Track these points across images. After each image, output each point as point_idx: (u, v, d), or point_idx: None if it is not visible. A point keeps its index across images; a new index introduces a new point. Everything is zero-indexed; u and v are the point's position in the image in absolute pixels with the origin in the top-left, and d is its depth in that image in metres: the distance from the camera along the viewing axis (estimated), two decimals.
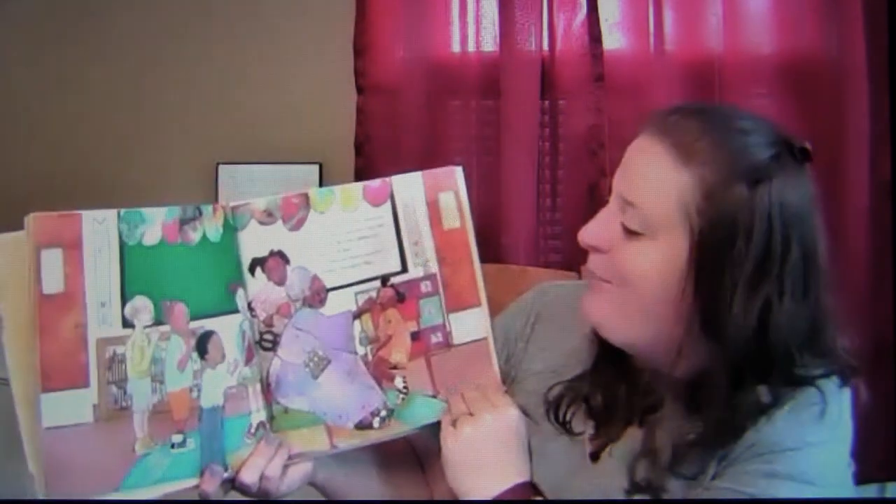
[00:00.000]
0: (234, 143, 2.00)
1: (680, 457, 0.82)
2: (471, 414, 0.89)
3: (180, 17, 2.02)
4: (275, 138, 1.99)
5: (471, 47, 1.87)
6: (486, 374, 0.93)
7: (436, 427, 0.91)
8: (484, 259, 0.94)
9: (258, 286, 0.88)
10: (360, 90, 1.87)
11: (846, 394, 0.85)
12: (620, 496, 0.85)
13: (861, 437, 0.89)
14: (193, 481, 0.83)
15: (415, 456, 1.03)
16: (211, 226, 0.86)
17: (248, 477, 0.85)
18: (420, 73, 1.86)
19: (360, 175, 1.85)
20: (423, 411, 0.91)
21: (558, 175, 1.88)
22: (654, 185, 0.83)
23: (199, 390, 0.83)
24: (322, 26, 1.96)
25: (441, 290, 0.92)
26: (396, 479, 1.01)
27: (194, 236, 0.84)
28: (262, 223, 0.88)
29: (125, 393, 0.80)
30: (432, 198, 0.93)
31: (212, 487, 0.83)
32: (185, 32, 2.02)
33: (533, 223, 1.84)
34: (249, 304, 0.87)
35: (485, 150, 1.87)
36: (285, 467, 0.87)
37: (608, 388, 0.91)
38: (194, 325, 0.83)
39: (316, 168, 1.95)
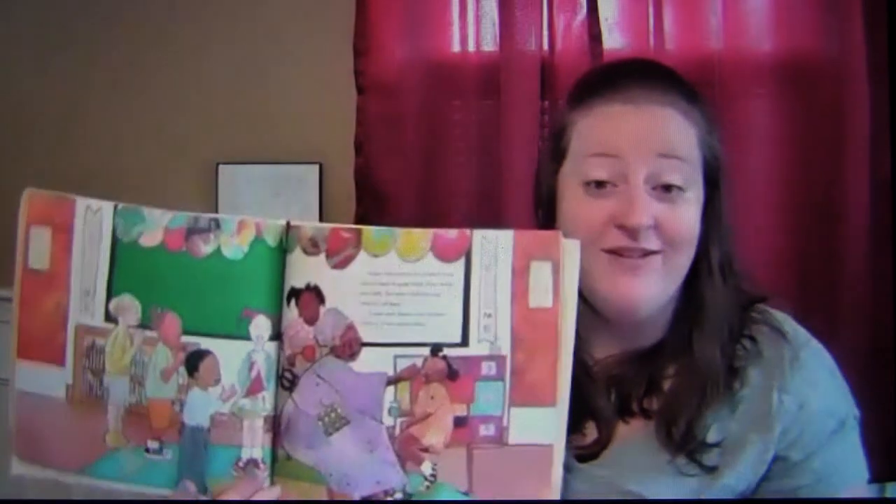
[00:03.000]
0: (234, 143, 2.00)
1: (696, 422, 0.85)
2: None
3: (180, 16, 2.02)
4: (275, 138, 1.99)
5: (471, 47, 1.87)
6: (540, 492, 0.76)
7: None
8: None
9: (290, 318, 0.78)
10: (360, 90, 1.87)
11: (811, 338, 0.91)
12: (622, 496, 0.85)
13: (861, 437, 0.89)
14: (167, 492, 0.79)
15: None
16: (230, 242, 0.79)
17: None
18: (420, 73, 1.86)
19: (361, 175, 1.85)
20: None
21: None
22: (683, 136, 0.86)
23: (182, 405, 0.78)
24: (322, 26, 1.96)
25: (508, 377, 0.77)
26: None
27: (205, 249, 0.78)
28: (305, 252, 0.79)
29: (101, 384, 0.79)
30: (522, 264, 0.77)
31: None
32: (185, 32, 2.02)
33: (533, 223, 1.84)
34: (280, 335, 0.79)
35: (485, 150, 1.87)
36: None
37: (589, 387, 0.89)
38: (188, 339, 0.78)
39: (316, 168, 1.95)
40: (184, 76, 2.02)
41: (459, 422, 0.77)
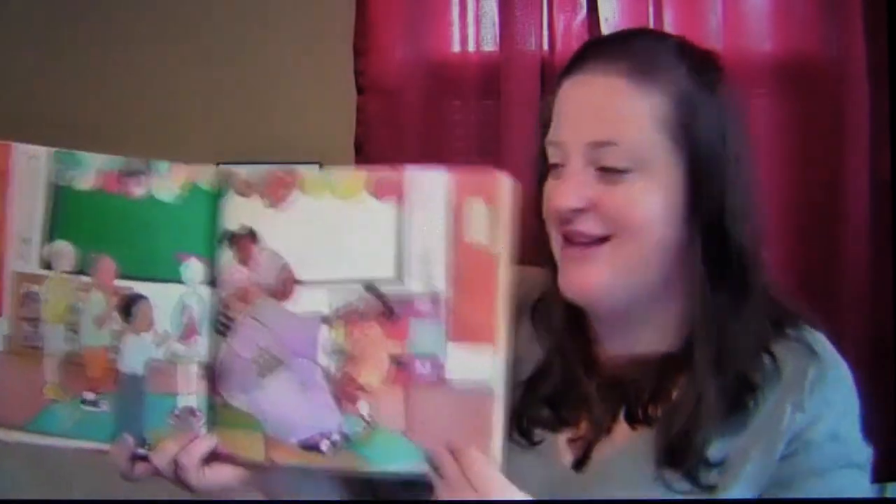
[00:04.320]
0: (234, 142, 2.00)
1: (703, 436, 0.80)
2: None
3: (180, 16, 2.02)
4: (275, 138, 1.99)
5: (471, 47, 1.87)
6: (480, 436, 0.74)
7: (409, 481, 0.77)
8: None
9: (225, 261, 0.79)
10: (360, 90, 1.87)
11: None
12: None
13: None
14: (106, 446, 0.79)
15: None
16: (162, 185, 0.82)
17: (158, 460, 0.78)
18: (420, 74, 1.86)
19: None
20: (389, 451, 0.76)
21: None
22: (627, 114, 0.80)
23: (117, 353, 0.78)
24: (322, 26, 1.96)
25: (444, 314, 0.75)
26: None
27: (137, 191, 0.80)
28: (240, 194, 0.80)
29: (37, 333, 0.78)
30: (458, 201, 0.76)
31: (119, 458, 0.78)
32: (185, 32, 2.02)
33: (532, 222, 1.84)
34: (214, 281, 0.79)
35: (485, 150, 1.87)
36: (210, 462, 0.79)
37: (578, 379, 0.86)
38: (122, 283, 0.78)
39: (316, 168, 1.95)
40: (184, 76, 2.02)
41: (395, 360, 0.76)
